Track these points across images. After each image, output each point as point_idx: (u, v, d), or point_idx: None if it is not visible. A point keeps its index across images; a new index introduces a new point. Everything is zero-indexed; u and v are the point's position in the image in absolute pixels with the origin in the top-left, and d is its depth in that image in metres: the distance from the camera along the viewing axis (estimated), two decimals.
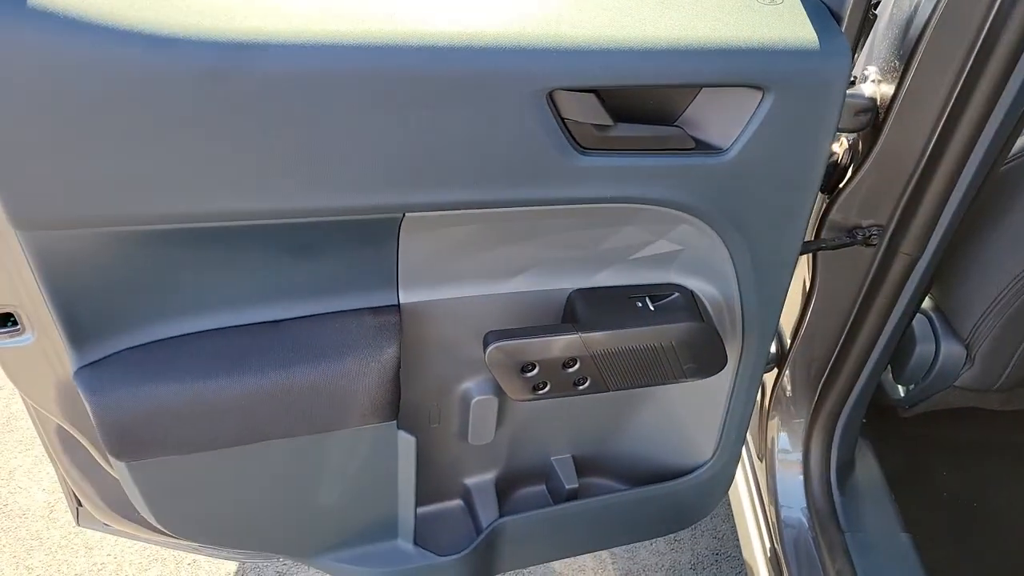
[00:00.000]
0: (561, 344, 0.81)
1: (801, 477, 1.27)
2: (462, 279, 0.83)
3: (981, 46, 0.82)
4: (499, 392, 0.94)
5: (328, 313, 0.80)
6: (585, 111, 0.68)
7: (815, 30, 0.71)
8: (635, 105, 0.72)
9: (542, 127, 0.67)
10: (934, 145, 0.90)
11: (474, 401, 0.93)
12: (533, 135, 0.68)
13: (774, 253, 0.84)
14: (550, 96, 0.66)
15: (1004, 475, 1.37)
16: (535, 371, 0.82)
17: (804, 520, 1.24)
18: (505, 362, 0.80)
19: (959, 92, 0.85)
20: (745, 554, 1.35)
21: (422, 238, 0.78)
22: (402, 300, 0.82)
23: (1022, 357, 1.17)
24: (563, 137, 0.69)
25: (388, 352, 0.79)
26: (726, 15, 0.71)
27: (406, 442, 0.88)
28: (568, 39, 0.65)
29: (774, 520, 1.27)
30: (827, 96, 0.73)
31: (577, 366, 0.83)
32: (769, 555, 1.28)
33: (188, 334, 0.76)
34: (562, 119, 0.68)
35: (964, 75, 0.84)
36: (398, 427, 0.87)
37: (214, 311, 0.76)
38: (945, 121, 0.88)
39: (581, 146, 0.70)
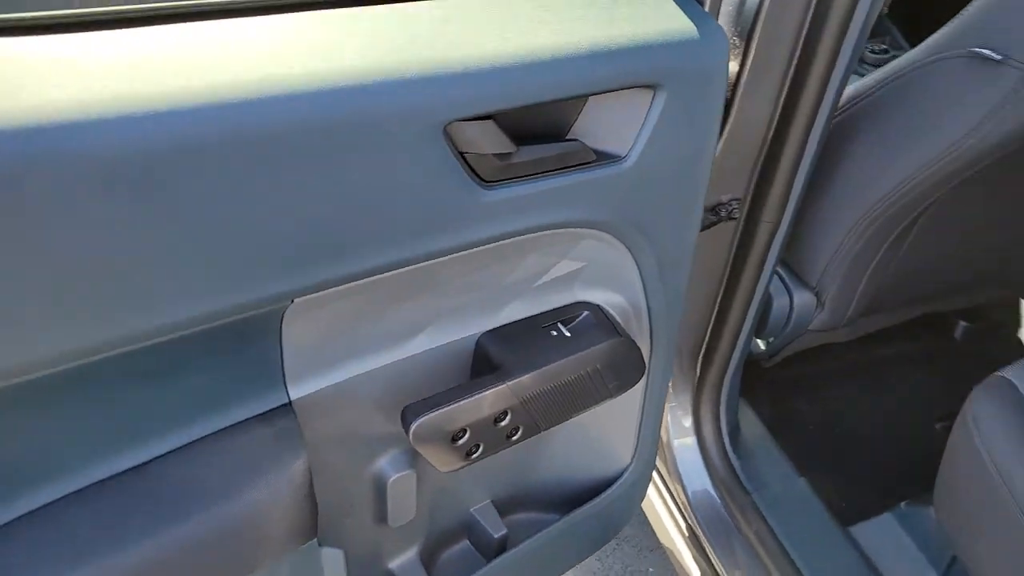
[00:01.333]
0: (490, 400, 0.72)
1: (698, 452, 1.29)
2: (358, 353, 0.71)
3: (815, 14, 0.84)
4: (415, 462, 0.83)
5: (207, 436, 0.64)
6: (485, 140, 0.59)
7: (690, 19, 0.68)
8: (530, 124, 0.65)
9: (442, 167, 0.58)
10: (780, 114, 0.92)
11: (391, 481, 0.81)
12: (433, 178, 0.58)
13: (676, 250, 0.81)
14: (445, 131, 0.57)
15: (861, 396, 1.50)
16: (466, 436, 0.72)
17: (711, 491, 1.26)
18: (433, 436, 0.70)
19: (799, 61, 0.88)
20: (662, 539, 1.36)
21: (307, 319, 0.65)
22: (293, 396, 0.68)
23: (863, 293, 1.27)
24: (465, 174, 0.60)
25: (295, 463, 0.66)
26: (604, 15, 0.65)
27: (333, 557, 0.75)
28: (457, 63, 0.56)
29: (683, 500, 1.28)
30: (712, 85, 0.70)
31: (508, 418, 0.74)
32: (687, 534, 1.29)
33: (14, 520, 0.57)
34: (461, 154, 0.59)
35: (801, 44, 0.87)
36: (320, 544, 0.73)
37: (47, 480, 0.58)
38: (788, 90, 0.90)
39: (484, 180, 0.62)
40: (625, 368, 0.82)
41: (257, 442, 0.65)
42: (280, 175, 0.51)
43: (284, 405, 0.67)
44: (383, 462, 0.81)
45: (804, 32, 0.85)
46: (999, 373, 0.98)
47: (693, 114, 0.70)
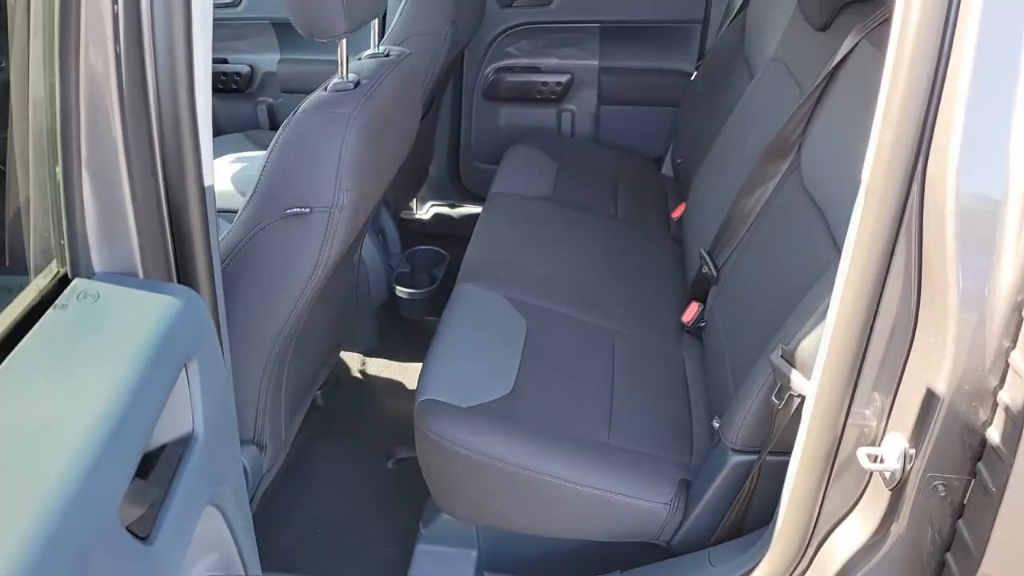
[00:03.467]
0: None
1: None
2: None
3: None
4: None
5: None
6: (141, 497, 0.56)
7: (170, 295, 0.73)
8: None
9: (123, 547, 0.53)
10: None
11: None
12: (119, 563, 0.52)
13: (239, 482, 0.85)
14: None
15: (315, 484, 1.70)
16: None
17: None
18: None
19: None
20: None
21: None
22: None
23: (285, 418, 1.43)
24: (138, 543, 0.56)
25: None
26: (123, 343, 0.65)
27: None
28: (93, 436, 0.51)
29: None
30: (211, 328, 0.77)
31: None
32: None
33: None
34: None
35: None
36: None
37: None
38: None
39: (143, 538, 0.58)
40: None
41: None
42: None
43: None
44: None
45: None
46: (421, 399, 1.32)
47: (214, 366, 0.76)
